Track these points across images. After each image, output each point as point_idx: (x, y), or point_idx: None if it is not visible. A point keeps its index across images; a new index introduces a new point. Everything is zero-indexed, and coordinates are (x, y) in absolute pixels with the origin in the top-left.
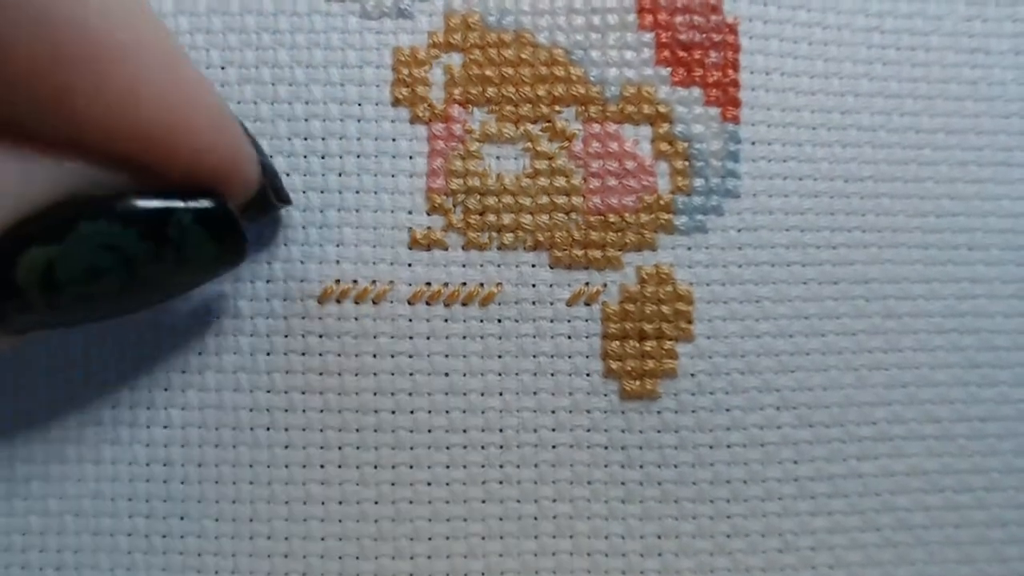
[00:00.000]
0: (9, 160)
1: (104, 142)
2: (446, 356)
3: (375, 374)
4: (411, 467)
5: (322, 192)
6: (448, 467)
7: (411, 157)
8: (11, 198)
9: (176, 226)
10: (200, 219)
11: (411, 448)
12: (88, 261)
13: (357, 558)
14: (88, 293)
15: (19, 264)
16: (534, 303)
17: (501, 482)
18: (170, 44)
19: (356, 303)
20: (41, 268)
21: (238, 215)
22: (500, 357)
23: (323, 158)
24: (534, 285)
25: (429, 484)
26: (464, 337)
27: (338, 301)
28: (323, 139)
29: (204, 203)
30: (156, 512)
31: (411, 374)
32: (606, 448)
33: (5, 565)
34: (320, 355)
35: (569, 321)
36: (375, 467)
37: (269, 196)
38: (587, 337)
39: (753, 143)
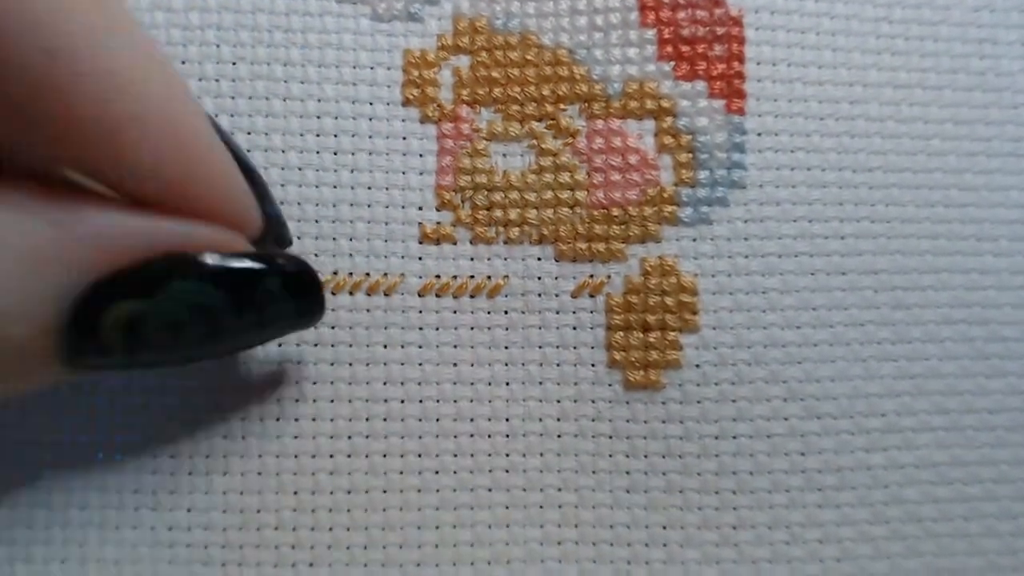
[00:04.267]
0: (109, 213)
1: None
2: (454, 347)
3: (385, 364)
4: (419, 455)
5: (335, 187)
6: (455, 455)
7: (421, 155)
8: (107, 249)
9: (263, 290)
10: (287, 284)
11: (420, 437)
12: (174, 316)
13: (365, 547)
14: (168, 344)
15: (107, 313)
16: (540, 295)
17: (507, 471)
18: (193, 105)
19: (368, 295)
20: (127, 320)
21: (320, 281)
22: (507, 348)
23: (336, 155)
24: (539, 278)
25: (437, 472)
26: (472, 328)
27: (351, 293)
28: (336, 136)
29: (292, 267)
30: (162, 504)
31: (420, 364)
32: (611, 438)
33: (9, 559)
34: (332, 345)
35: (574, 312)
36: (384, 455)
37: (267, 242)
38: (591, 328)
39: (759, 134)
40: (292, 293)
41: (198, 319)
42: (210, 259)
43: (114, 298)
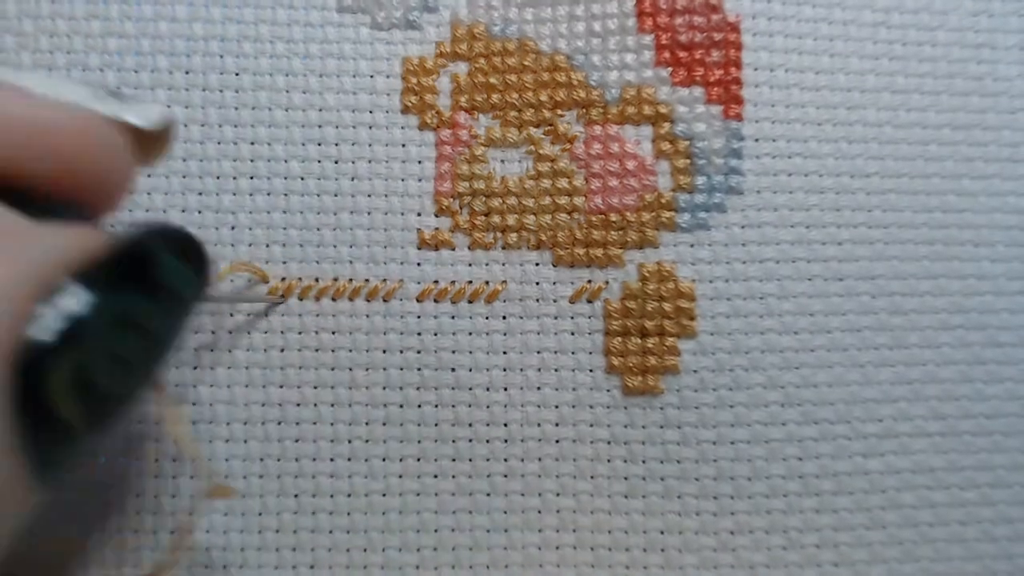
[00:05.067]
0: None
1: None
2: (453, 352)
3: (384, 369)
4: (418, 460)
5: (335, 195)
6: (454, 460)
7: (420, 162)
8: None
9: (162, 268)
10: (175, 251)
11: (418, 442)
12: (108, 346)
13: (365, 550)
14: (122, 379)
15: (49, 389)
16: (538, 301)
17: (505, 476)
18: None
19: (367, 301)
20: (73, 379)
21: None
22: (505, 353)
23: (336, 163)
24: (538, 283)
25: (435, 477)
26: (470, 334)
27: (350, 299)
28: (336, 144)
29: (170, 234)
30: (163, 508)
31: (419, 369)
32: (609, 443)
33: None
34: (332, 351)
35: (572, 318)
36: (383, 460)
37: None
38: (590, 334)
39: (757, 140)
40: (185, 256)
41: (132, 334)
42: (95, 270)
43: (43, 366)
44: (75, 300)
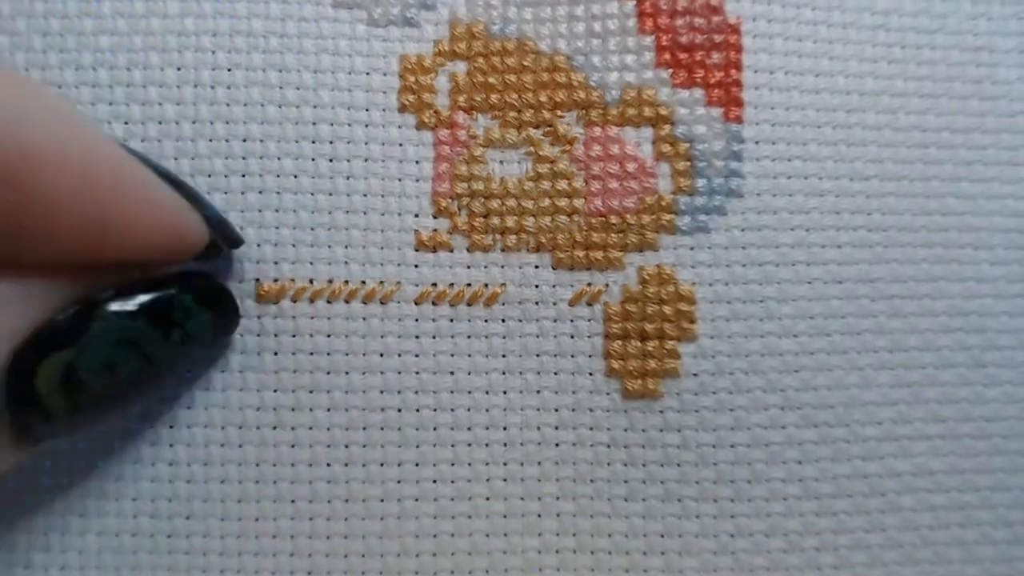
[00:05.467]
0: (8, 286)
1: (66, 255)
2: (451, 355)
3: (382, 373)
4: (417, 465)
5: (330, 195)
6: (453, 465)
7: (417, 162)
8: (16, 319)
9: (179, 308)
10: (199, 298)
11: (417, 446)
12: (104, 357)
13: (363, 556)
14: (107, 387)
15: (38, 374)
16: (537, 303)
17: (505, 480)
18: (103, 147)
19: (364, 303)
20: (60, 372)
21: (228, 288)
22: (504, 356)
23: (331, 161)
24: (537, 286)
25: (434, 482)
26: (469, 337)
27: (346, 301)
28: (331, 143)
29: (200, 281)
30: (161, 512)
31: (417, 373)
32: (609, 447)
33: (9, 565)
34: (328, 354)
35: (572, 321)
36: (381, 465)
37: (218, 244)
38: (589, 337)
39: (757, 142)
40: (206, 304)
41: (128, 353)
42: (120, 295)
43: (40, 357)
44: (86, 316)
